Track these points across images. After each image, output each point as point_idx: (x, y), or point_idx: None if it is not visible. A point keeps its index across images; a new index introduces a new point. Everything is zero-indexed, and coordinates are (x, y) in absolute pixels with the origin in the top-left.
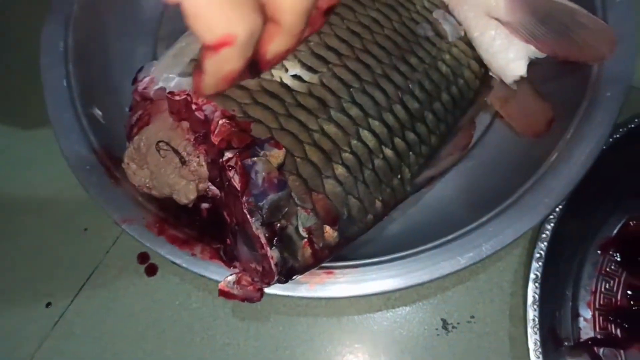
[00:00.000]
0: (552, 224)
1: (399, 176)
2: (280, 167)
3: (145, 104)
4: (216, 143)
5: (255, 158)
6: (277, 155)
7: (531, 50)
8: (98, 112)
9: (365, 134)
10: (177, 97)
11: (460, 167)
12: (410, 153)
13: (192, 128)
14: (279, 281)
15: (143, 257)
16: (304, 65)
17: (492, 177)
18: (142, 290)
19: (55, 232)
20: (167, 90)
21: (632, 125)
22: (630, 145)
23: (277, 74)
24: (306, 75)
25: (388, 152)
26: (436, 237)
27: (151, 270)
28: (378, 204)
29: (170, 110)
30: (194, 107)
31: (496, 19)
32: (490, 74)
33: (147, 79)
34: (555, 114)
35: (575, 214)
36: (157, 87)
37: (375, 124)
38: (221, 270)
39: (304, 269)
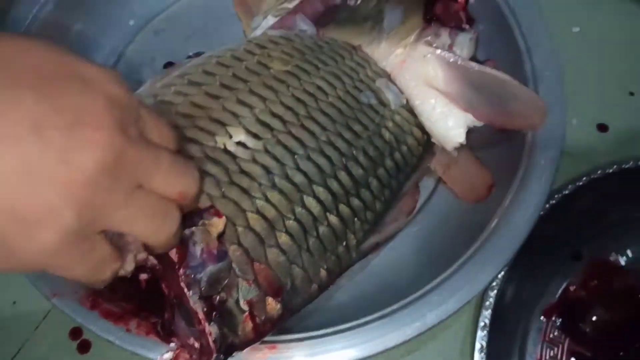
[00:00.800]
0: (495, 291)
1: (344, 243)
2: (221, 237)
3: None
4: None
5: (194, 228)
6: (217, 224)
7: (470, 119)
8: None
9: (309, 201)
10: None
11: (405, 232)
12: (355, 219)
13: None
14: (218, 359)
15: (75, 333)
16: (248, 132)
17: (436, 243)
18: None
19: None
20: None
21: (566, 192)
22: (566, 211)
23: (220, 140)
24: (250, 142)
25: (333, 219)
26: (383, 305)
27: (84, 347)
28: (323, 272)
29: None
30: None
31: (436, 88)
32: (433, 140)
33: None
34: (495, 179)
35: (517, 280)
36: None
37: (320, 190)
38: (158, 348)
39: (244, 345)
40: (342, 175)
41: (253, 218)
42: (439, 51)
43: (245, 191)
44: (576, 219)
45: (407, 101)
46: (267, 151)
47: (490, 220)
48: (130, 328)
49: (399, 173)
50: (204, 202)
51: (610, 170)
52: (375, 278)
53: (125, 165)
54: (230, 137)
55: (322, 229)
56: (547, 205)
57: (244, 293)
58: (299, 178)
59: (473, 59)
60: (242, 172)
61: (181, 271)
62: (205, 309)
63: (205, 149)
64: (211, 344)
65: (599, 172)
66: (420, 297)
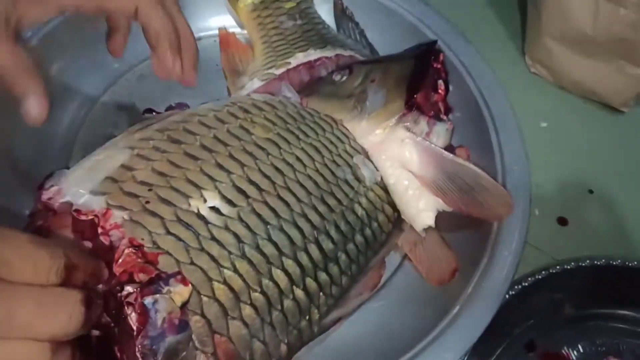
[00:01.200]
0: None
1: (307, 317)
2: (184, 306)
3: (48, 215)
4: (117, 274)
5: (158, 295)
6: (182, 293)
7: (440, 203)
8: None
9: (277, 273)
10: (83, 217)
11: (368, 306)
12: (321, 294)
13: (94, 252)
14: None
15: None
16: (223, 197)
17: (397, 322)
18: None
19: None
20: (74, 207)
21: (526, 284)
22: (524, 302)
23: (194, 203)
24: (224, 208)
25: (299, 292)
26: None
27: None
28: (283, 347)
29: (73, 229)
30: (100, 230)
31: (410, 171)
32: (403, 217)
33: (54, 189)
34: (460, 263)
35: None
36: (63, 200)
37: (289, 263)
38: None
39: None
40: (313, 248)
41: (219, 288)
42: (416, 137)
43: (214, 259)
44: (533, 311)
45: (382, 179)
46: (240, 219)
47: (452, 306)
48: None
49: (367, 249)
50: (171, 268)
51: (568, 267)
52: (333, 352)
53: None
54: (205, 201)
55: (287, 303)
56: (507, 296)
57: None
58: (269, 249)
59: (448, 147)
60: (213, 239)
61: (139, 340)
62: None
63: (178, 211)
64: None
65: (557, 267)
66: None
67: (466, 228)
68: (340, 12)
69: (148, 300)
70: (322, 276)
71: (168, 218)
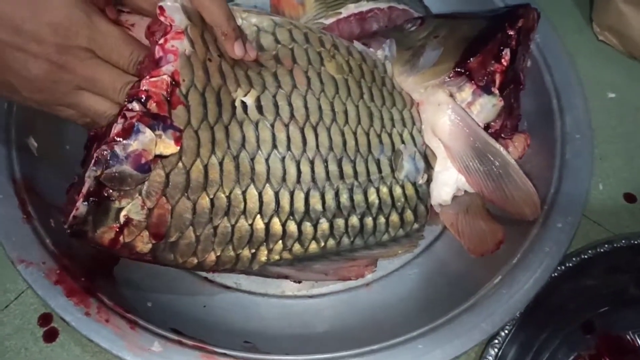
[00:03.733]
0: (495, 350)
1: (252, 251)
2: (159, 157)
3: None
4: (140, 87)
5: (149, 131)
6: (168, 146)
7: (461, 182)
8: (33, 143)
9: (251, 192)
10: (162, 19)
11: (401, 272)
12: (280, 242)
13: (146, 56)
14: (69, 232)
15: (45, 319)
16: (258, 101)
17: (432, 290)
18: (36, 357)
19: None
20: (161, 3)
21: (585, 256)
22: (580, 278)
23: (238, 92)
24: (252, 111)
25: (259, 223)
26: (363, 343)
27: (50, 336)
28: (211, 256)
29: (150, 23)
30: (162, 40)
31: (439, 139)
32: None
33: None
34: (505, 236)
35: (520, 345)
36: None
37: (269, 190)
38: (113, 337)
39: (94, 244)
40: (310, 194)
41: (197, 168)
42: (454, 105)
43: (212, 142)
44: (591, 289)
45: (426, 185)
46: (256, 126)
47: (494, 276)
48: (90, 312)
49: (361, 236)
50: (179, 122)
51: (636, 242)
52: (361, 313)
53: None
54: (244, 95)
55: (242, 224)
56: (561, 269)
57: (131, 209)
58: (260, 166)
59: (495, 129)
60: (224, 127)
61: (103, 146)
62: (90, 189)
63: (222, 88)
64: (70, 216)
65: (622, 241)
66: (403, 343)
67: None
68: None
69: (138, 126)
70: (293, 226)
71: (211, 84)
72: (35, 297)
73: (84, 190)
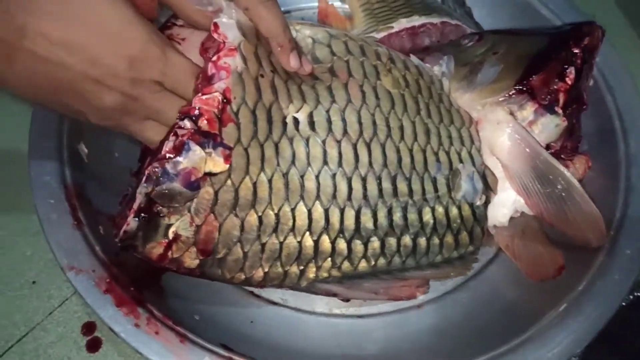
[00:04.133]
0: None
1: (301, 268)
2: (209, 175)
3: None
4: (192, 103)
5: (198, 148)
6: (217, 164)
7: (520, 203)
8: (84, 149)
9: (301, 209)
10: (215, 36)
11: (454, 296)
12: (329, 259)
13: (200, 77)
14: (120, 245)
15: (88, 328)
16: (310, 117)
17: (486, 316)
18: None
19: (0, 279)
20: (215, 19)
21: None
22: None
23: (290, 108)
24: (303, 126)
25: (308, 241)
26: None
27: (94, 345)
28: (259, 272)
29: (205, 39)
30: (214, 57)
31: (498, 158)
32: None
33: (217, 6)
34: (567, 259)
35: None
36: (215, 8)
37: (319, 208)
38: (163, 351)
39: (143, 257)
40: (361, 212)
41: (246, 186)
42: (514, 123)
43: (262, 159)
44: None
45: (480, 205)
46: (306, 142)
47: (557, 304)
48: (140, 323)
49: (413, 256)
50: (229, 140)
51: None
52: (412, 336)
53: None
54: (297, 111)
55: (290, 241)
56: (630, 297)
57: (179, 225)
58: (311, 183)
59: (556, 150)
60: (274, 143)
61: (155, 163)
62: (141, 205)
63: (273, 104)
64: (121, 230)
65: None
66: None
67: None
68: None
69: (189, 144)
70: (342, 244)
71: (262, 101)
72: (79, 304)
73: (135, 206)
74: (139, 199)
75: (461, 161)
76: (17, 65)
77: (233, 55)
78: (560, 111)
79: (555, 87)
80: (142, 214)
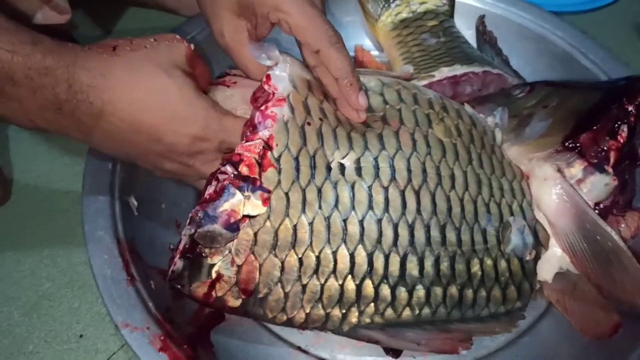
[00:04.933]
0: None
1: (343, 311)
2: (248, 217)
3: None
4: (235, 150)
5: (237, 192)
6: (256, 206)
7: (565, 261)
8: (134, 202)
9: (343, 253)
10: (266, 87)
11: (506, 353)
12: (372, 304)
13: (247, 122)
14: (169, 286)
15: None
16: (357, 163)
17: None
18: None
19: (48, 332)
20: (269, 71)
21: None
22: None
23: (336, 154)
24: (350, 172)
25: (350, 284)
26: None
27: None
28: (300, 314)
29: (256, 90)
30: (263, 107)
31: (544, 215)
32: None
33: (275, 51)
34: (625, 318)
35: None
36: (269, 62)
37: (361, 252)
38: None
39: (189, 297)
40: (407, 259)
41: (286, 227)
42: (562, 181)
43: (303, 202)
44: None
45: (534, 262)
46: (352, 188)
47: None
48: None
49: (459, 308)
50: (268, 184)
51: None
52: None
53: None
54: (343, 157)
55: (332, 283)
56: None
57: (221, 265)
58: (353, 228)
59: (604, 208)
60: (317, 188)
61: (198, 207)
62: (186, 246)
63: (318, 150)
64: (170, 270)
65: None
66: None
67: None
68: (482, 36)
69: (229, 188)
70: (386, 290)
71: (307, 147)
72: (127, 359)
73: (181, 246)
74: (184, 240)
75: (512, 214)
76: (94, 139)
77: (281, 105)
78: (610, 170)
79: (606, 145)
80: (188, 255)
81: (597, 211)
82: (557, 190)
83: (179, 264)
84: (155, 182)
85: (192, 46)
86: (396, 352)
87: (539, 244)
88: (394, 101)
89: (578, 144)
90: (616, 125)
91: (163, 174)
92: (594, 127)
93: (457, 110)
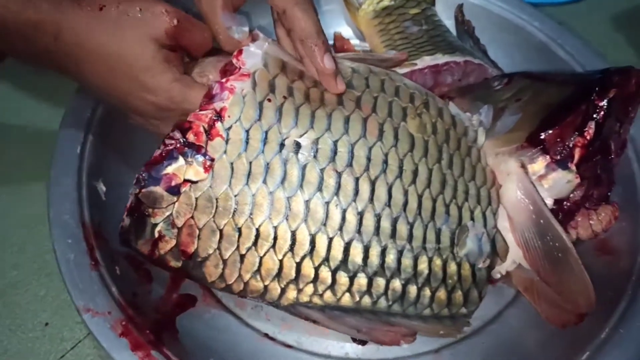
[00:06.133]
0: None
1: (282, 287)
2: (189, 182)
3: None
4: (188, 119)
5: (181, 157)
6: (197, 173)
7: (519, 256)
8: (102, 187)
9: (282, 228)
10: (234, 62)
11: (473, 341)
12: (312, 285)
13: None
14: (119, 239)
15: None
16: (315, 143)
17: None
18: None
19: (13, 320)
20: (242, 49)
21: None
22: None
23: (294, 131)
24: (304, 152)
25: (289, 261)
26: None
27: None
28: (238, 283)
29: (225, 64)
30: (224, 79)
31: (504, 207)
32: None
33: (248, 34)
34: None
35: None
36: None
37: (311, 235)
38: None
39: (137, 253)
40: (353, 246)
41: (227, 195)
42: (523, 176)
43: (254, 176)
44: None
45: (486, 270)
46: (302, 168)
47: (579, 352)
48: None
49: (403, 302)
50: (213, 153)
51: None
52: None
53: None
54: (300, 136)
55: (269, 256)
56: None
57: (162, 226)
58: (298, 206)
59: (572, 204)
60: (263, 161)
61: (144, 168)
62: (132, 204)
63: (273, 127)
64: (120, 226)
65: None
66: None
67: (597, 267)
68: (461, 25)
69: (174, 151)
70: (326, 272)
71: (260, 122)
72: (92, 347)
73: (127, 205)
74: (130, 199)
75: (472, 219)
76: (80, 82)
77: (243, 79)
78: (573, 167)
79: (571, 142)
80: (134, 213)
81: (566, 206)
82: (517, 184)
83: (126, 220)
84: (125, 167)
85: (176, 21)
86: (362, 341)
87: (495, 254)
88: (375, 88)
89: (543, 141)
90: (584, 122)
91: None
92: (559, 124)
93: (440, 109)
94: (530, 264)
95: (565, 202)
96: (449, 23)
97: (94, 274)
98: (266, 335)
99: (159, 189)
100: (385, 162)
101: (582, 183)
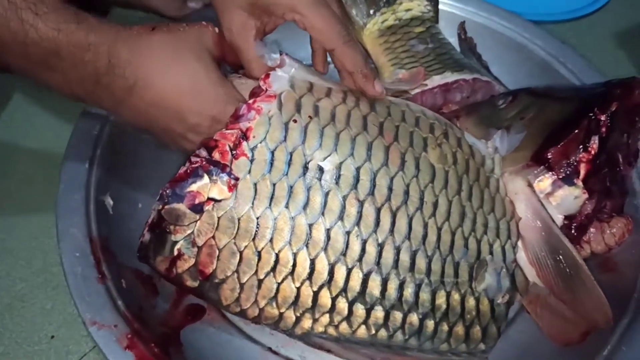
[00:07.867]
0: None
1: (298, 315)
2: (212, 200)
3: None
4: (214, 138)
5: (206, 174)
6: (221, 191)
7: (532, 274)
8: (109, 202)
9: (302, 255)
10: (260, 84)
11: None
12: (329, 315)
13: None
14: (138, 256)
15: None
16: (338, 168)
17: None
18: None
19: (19, 333)
20: (269, 73)
21: None
22: None
23: (317, 154)
24: (326, 176)
25: (307, 289)
26: None
27: None
28: (254, 308)
29: (253, 87)
30: (251, 100)
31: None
32: None
33: (279, 60)
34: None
35: None
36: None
37: (328, 264)
38: None
39: (154, 270)
40: (372, 278)
41: (249, 217)
42: (531, 195)
43: (277, 199)
44: None
45: (504, 306)
46: (325, 194)
47: None
48: None
49: (420, 336)
50: (237, 172)
51: None
52: None
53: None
54: (323, 159)
55: (287, 284)
56: None
57: (182, 244)
58: (319, 234)
59: (582, 220)
60: (287, 185)
61: (169, 184)
62: (154, 220)
63: (298, 148)
64: (139, 240)
65: None
66: None
67: (602, 282)
68: (463, 42)
69: (198, 170)
70: (343, 303)
71: (286, 143)
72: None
73: (149, 220)
74: (152, 215)
75: (491, 253)
76: (122, 110)
77: (270, 101)
78: (579, 183)
79: (576, 158)
80: (155, 229)
81: (578, 221)
82: (525, 204)
83: (147, 236)
84: (132, 182)
85: (217, 30)
86: None
87: (515, 289)
88: (396, 118)
89: (547, 159)
90: (587, 137)
91: (176, 148)
92: (563, 141)
93: (459, 139)
94: (544, 282)
95: (577, 217)
96: (452, 41)
97: (100, 287)
98: (270, 349)
99: (182, 206)
100: (407, 192)
101: (592, 197)
